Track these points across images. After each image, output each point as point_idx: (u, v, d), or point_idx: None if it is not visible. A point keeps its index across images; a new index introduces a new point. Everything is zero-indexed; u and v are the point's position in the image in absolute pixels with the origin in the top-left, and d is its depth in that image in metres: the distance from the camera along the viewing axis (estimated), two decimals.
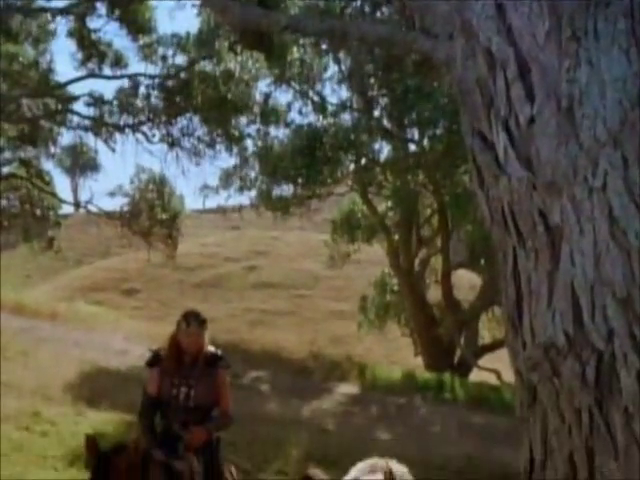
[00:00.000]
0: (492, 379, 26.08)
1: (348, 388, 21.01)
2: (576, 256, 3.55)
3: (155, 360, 7.39)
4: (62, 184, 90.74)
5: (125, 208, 27.41)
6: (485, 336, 30.44)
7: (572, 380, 3.53)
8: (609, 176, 3.56)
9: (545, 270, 3.65)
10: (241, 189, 26.49)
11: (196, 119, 25.17)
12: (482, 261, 27.72)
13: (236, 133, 25.06)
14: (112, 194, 27.98)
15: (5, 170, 27.64)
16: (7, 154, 27.62)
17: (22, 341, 20.20)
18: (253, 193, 26.61)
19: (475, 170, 4.22)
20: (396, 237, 28.18)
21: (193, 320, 7.27)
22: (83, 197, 35.96)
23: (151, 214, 26.24)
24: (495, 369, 27.16)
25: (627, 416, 3.50)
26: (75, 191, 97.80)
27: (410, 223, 27.45)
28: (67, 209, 40.59)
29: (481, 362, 27.59)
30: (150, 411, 7.24)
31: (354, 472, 7.00)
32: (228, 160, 26.82)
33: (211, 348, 7.43)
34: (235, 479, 7.45)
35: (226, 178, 26.78)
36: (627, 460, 3.53)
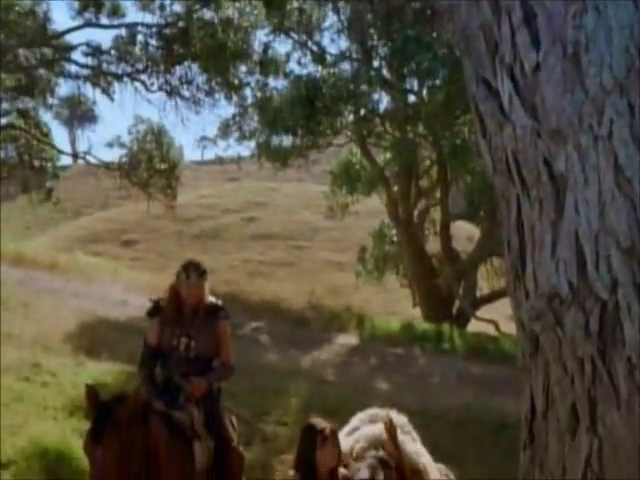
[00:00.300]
0: (490, 330, 26.19)
1: (347, 339, 21.10)
2: (580, 205, 3.51)
3: (155, 310, 7.39)
4: (60, 136, 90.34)
5: (124, 159, 27.27)
6: (483, 287, 30.52)
7: (575, 330, 3.51)
8: (615, 124, 3.51)
9: (549, 219, 3.61)
10: (240, 139, 26.42)
11: (195, 67, 25.02)
12: (481, 212, 27.77)
13: (235, 81, 24.88)
14: (110, 145, 27.86)
15: (3, 121, 27.50)
16: (5, 105, 27.45)
17: (22, 292, 20.19)
18: (252, 144, 26.55)
19: (478, 119, 4.17)
20: (395, 188, 28.11)
21: (193, 271, 7.24)
22: (81, 148, 35.65)
23: (150, 165, 26.16)
24: (493, 320, 27.28)
25: (630, 366, 3.48)
26: (73, 142, 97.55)
27: (409, 174, 27.39)
28: (65, 160, 40.52)
29: (479, 313, 27.71)
30: (150, 361, 7.25)
31: (354, 422, 7.01)
32: (227, 109, 26.74)
33: (211, 298, 7.42)
34: (235, 429, 7.48)
35: (225, 129, 26.67)
36: (629, 410, 3.51)
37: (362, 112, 24.63)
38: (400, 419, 6.93)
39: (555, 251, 3.58)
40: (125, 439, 5.88)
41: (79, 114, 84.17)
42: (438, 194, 28.50)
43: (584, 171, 3.55)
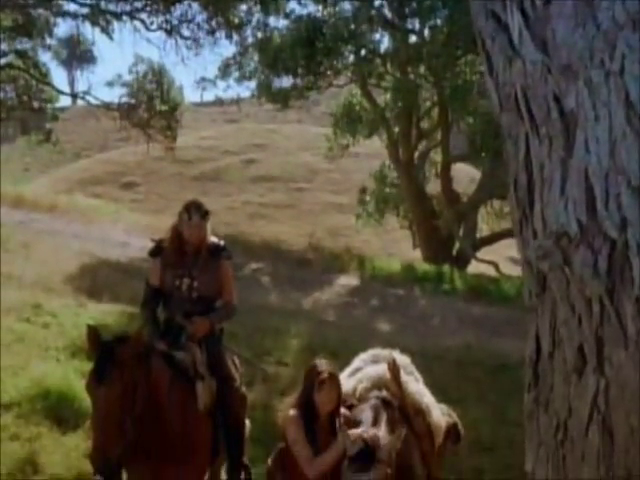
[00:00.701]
0: (490, 271, 26.23)
1: (347, 280, 21.10)
2: (591, 143, 3.44)
3: (157, 250, 7.34)
4: (59, 77, 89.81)
5: (123, 99, 27.05)
6: (483, 229, 30.52)
7: (583, 269, 3.46)
8: (627, 59, 3.43)
9: (559, 157, 3.54)
10: (240, 80, 26.25)
11: (195, 5, 24.74)
12: (482, 154, 27.67)
13: (236, 20, 24.64)
14: (110, 84, 27.64)
15: (2, 62, 27.30)
16: (3, 46, 27.22)
17: (22, 234, 20.15)
18: (252, 84, 26.38)
19: (485, 56, 4.07)
20: (396, 130, 27.97)
21: (195, 211, 7.19)
22: (80, 89, 35.45)
23: (150, 105, 25.96)
24: (493, 261, 27.35)
25: (638, 306, 3.44)
26: (72, 83, 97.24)
27: (410, 116, 27.24)
28: (65, 102, 40.33)
29: (479, 255, 27.72)
30: (152, 302, 7.23)
31: (356, 363, 7.03)
32: (228, 49, 26.56)
33: (213, 239, 7.38)
34: (238, 369, 7.48)
35: (225, 69, 26.51)
36: (637, 350, 3.48)
37: (363, 52, 24.48)
38: (403, 359, 6.95)
39: (564, 189, 3.52)
40: (127, 379, 5.86)
41: (78, 54, 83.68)
42: (439, 136, 28.41)
43: (595, 108, 3.48)
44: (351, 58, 25.11)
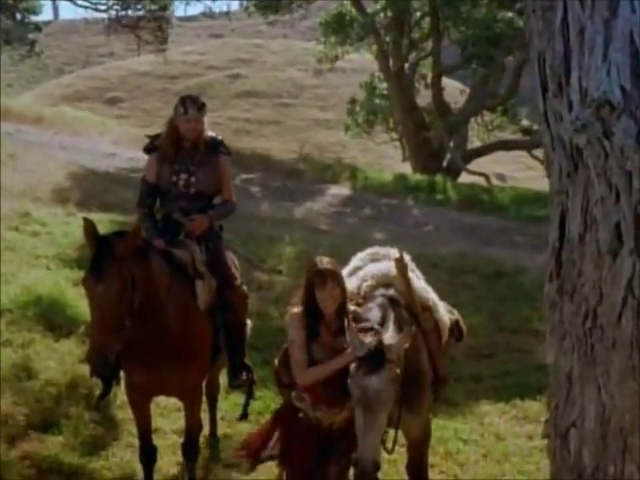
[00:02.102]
0: (481, 183, 26.06)
1: (339, 190, 20.87)
2: (637, 2, 3.21)
3: (153, 146, 7.07)
4: None
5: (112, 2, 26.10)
6: (474, 141, 30.30)
7: (625, 140, 3.24)
8: None
9: (602, 18, 3.30)
10: None
11: None
12: (475, 62, 27.38)
13: None
14: None
15: None
16: None
17: (9, 145, 19.79)
18: None
19: None
20: (387, 40, 27.48)
21: (191, 105, 6.90)
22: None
23: (139, 4, 25.13)
24: (484, 173, 27.14)
25: None
26: None
27: (401, 24, 26.72)
28: (47, 15, 39.53)
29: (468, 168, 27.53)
30: (148, 199, 6.97)
31: (355, 262, 6.76)
32: None
33: (211, 133, 7.12)
34: (237, 268, 7.26)
35: None
36: None
37: None
38: (404, 257, 6.71)
39: (607, 54, 3.29)
40: (126, 274, 5.63)
41: None
42: (429, 47, 28.02)
43: None
44: None
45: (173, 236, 6.72)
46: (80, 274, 12.17)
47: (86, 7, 26.62)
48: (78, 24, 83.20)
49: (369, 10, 26.76)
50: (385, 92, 29.96)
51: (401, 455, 6.85)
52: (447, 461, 8.30)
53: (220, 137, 7.21)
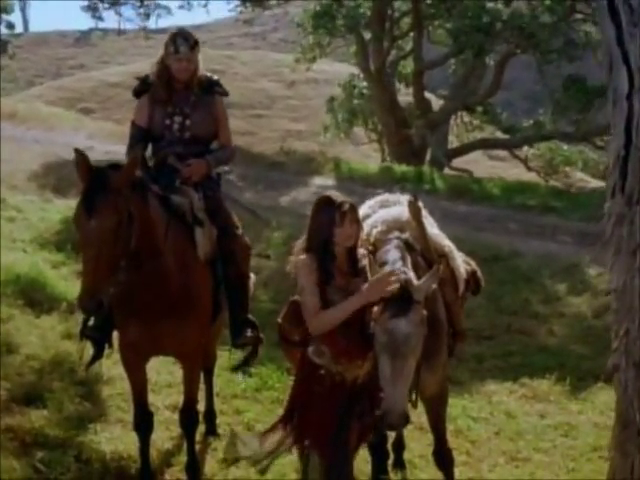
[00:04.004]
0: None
1: (324, 180, 20.31)
2: None
3: (144, 88, 6.49)
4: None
5: None
6: (454, 143, 29.97)
7: None
8: None
9: None
10: None
11: None
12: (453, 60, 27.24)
13: None
14: None
15: None
16: None
17: None
18: None
19: None
20: (368, 36, 27.02)
21: (182, 42, 6.30)
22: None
23: None
24: (467, 169, 26.74)
25: None
26: (24, 9, 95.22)
27: (383, 20, 26.27)
28: (17, 27, 39.03)
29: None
30: (140, 145, 6.31)
31: (363, 209, 6.10)
32: None
33: (205, 73, 6.54)
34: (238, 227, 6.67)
35: None
36: None
37: None
38: (424, 211, 6.16)
39: None
40: (123, 208, 5.05)
41: None
42: (410, 45, 27.69)
43: None
44: None
45: (168, 183, 6.12)
46: (58, 257, 11.98)
47: None
48: (48, 36, 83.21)
49: (351, 4, 26.21)
50: (365, 91, 29.53)
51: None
52: (458, 438, 7.94)
53: (216, 77, 6.63)
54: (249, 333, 6.45)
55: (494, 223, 16.61)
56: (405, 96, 29.29)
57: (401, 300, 4.77)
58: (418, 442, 7.56)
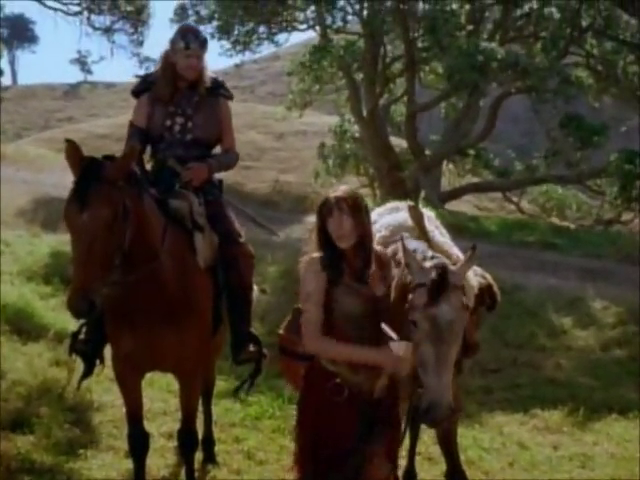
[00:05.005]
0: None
1: None
2: None
3: (144, 87, 6.09)
4: None
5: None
6: (445, 186, 29.75)
7: None
8: None
9: None
10: (197, 24, 25.03)
11: None
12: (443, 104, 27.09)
13: None
14: None
15: None
16: None
17: None
18: (209, 29, 25.23)
19: None
20: (360, 77, 26.84)
21: (193, 38, 5.93)
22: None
23: (113, 5, 23.73)
24: (462, 212, 26.46)
25: None
26: (12, 62, 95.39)
27: (375, 60, 26.10)
28: (5, 80, 38.89)
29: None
30: (137, 140, 5.89)
31: (372, 216, 5.77)
32: None
33: (211, 74, 6.15)
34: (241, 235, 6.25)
35: (182, 13, 25.50)
36: None
37: None
38: (427, 212, 5.82)
39: None
40: (118, 200, 4.66)
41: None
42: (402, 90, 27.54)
43: None
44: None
45: (167, 186, 5.74)
46: (46, 289, 11.62)
47: (56, 9, 24.71)
48: (37, 89, 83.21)
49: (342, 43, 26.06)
50: (356, 135, 29.32)
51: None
52: (470, 469, 7.46)
53: (221, 79, 6.26)
54: (251, 348, 6.00)
55: (494, 259, 16.16)
56: (397, 139, 29.13)
57: (441, 285, 4.43)
58: (428, 473, 7.25)
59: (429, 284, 4.43)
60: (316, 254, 4.66)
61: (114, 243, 4.67)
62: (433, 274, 4.44)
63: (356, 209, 4.58)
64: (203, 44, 5.99)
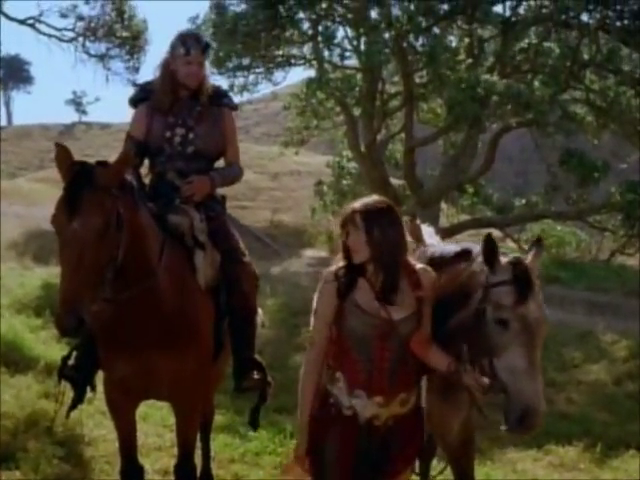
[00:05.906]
0: None
1: (316, 252, 19.70)
2: None
3: (142, 96, 5.69)
4: None
5: (78, 26, 23.85)
6: (444, 223, 29.48)
7: None
8: None
9: None
10: None
11: None
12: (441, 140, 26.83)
13: None
14: (64, 15, 24.41)
15: None
16: None
17: None
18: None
19: None
20: (357, 112, 26.56)
21: (193, 44, 5.53)
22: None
23: (109, 32, 23.21)
24: None
25: None
26: (7, 103, 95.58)
27: (374, 94, 25.82)
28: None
29: None
30: (135, 159, 5.40)
31: None
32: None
33: (213, 83, 5.77)
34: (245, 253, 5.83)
35: None
36: None
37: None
38: (427, 227, 5.64)
39: None
40: (111, 208, 4.27)
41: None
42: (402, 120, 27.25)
43: None
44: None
45: (167, 201, 5.34)
46: (37, 322, 11.23)
47: (51, 36, 24.18)
48: (32, 129, 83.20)
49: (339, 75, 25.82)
50: (354, 171, 29.06)
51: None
52: None
53: (224, 88, 5.87)
54: (256, 375, 5.58)
55: None
56: (395, 176, 28.88)
57: (522, 281, 4.07)
58: None
59: (513, 281, 4.07)
60: (334, 267, 4.34)
61: (106, 254, 4.28)
62: (514, 270, 4.08)
63: (370, 222, 4.19)
64: (204, 50, 5.61)
